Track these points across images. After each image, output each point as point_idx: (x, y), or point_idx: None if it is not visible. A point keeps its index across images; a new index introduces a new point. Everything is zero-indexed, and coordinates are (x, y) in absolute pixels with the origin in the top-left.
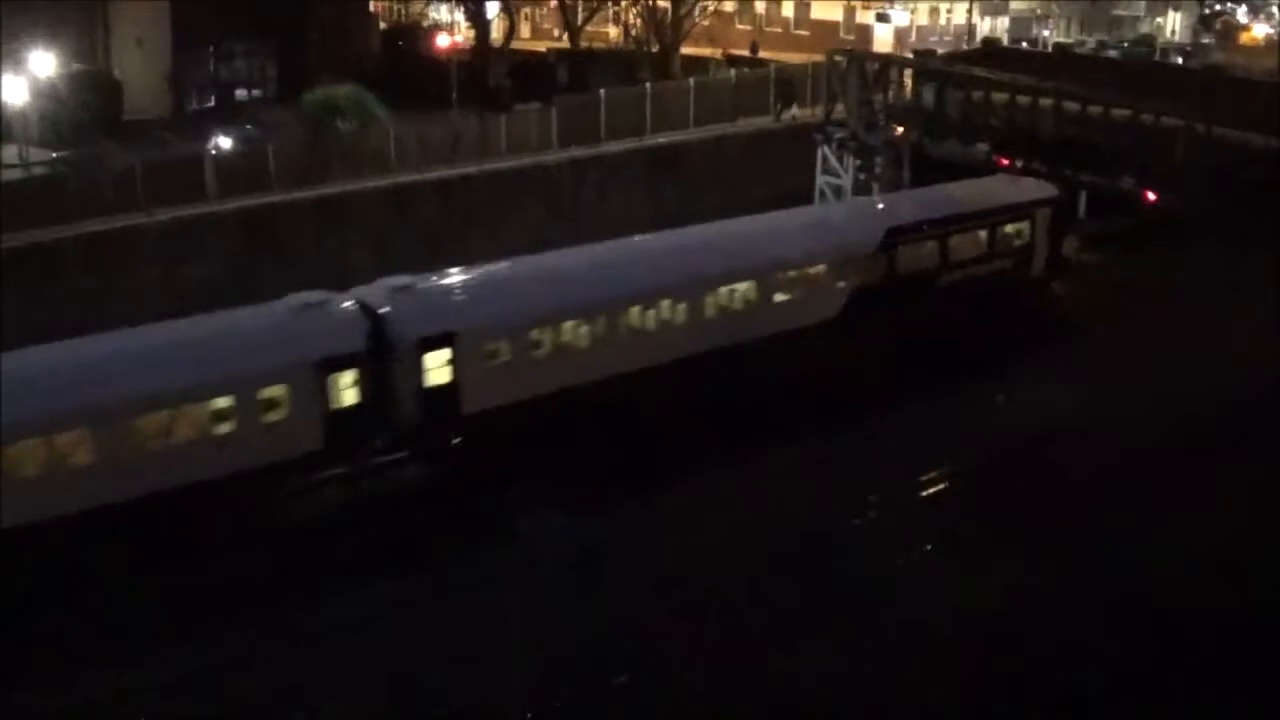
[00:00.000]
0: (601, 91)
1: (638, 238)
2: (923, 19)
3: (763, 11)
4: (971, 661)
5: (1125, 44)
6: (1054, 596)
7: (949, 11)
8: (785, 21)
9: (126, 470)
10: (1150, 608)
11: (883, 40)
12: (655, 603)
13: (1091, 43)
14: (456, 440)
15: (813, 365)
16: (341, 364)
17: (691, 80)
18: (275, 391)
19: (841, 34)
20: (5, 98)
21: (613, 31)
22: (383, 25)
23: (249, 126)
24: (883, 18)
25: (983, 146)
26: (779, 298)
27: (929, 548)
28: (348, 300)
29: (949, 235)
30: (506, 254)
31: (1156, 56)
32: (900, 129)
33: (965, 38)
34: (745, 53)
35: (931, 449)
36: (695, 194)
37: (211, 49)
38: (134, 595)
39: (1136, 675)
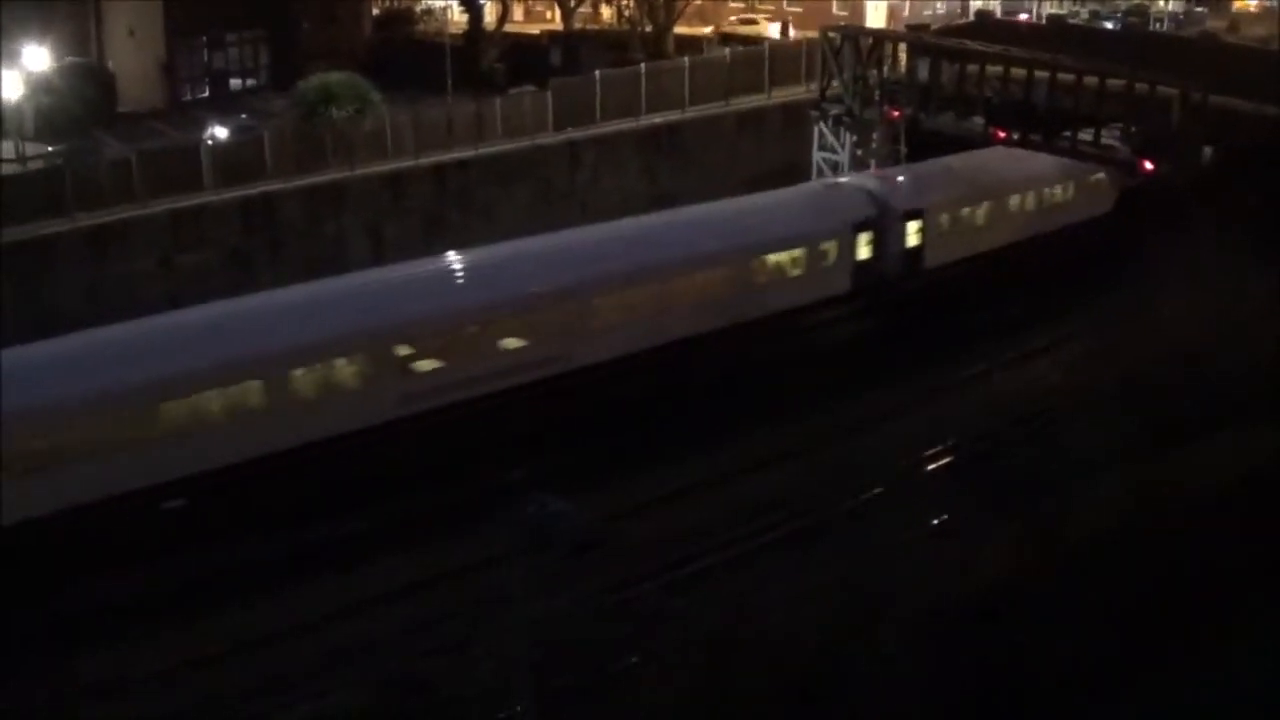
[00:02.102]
0: (596, 73)
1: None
2: None
3: None
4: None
5: (1119, 14)
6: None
7: None
8: None
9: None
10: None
11: (876, 15)
12: (658, 585)
13: (1085, 13)
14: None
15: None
16: (864, 227)
17: (686, 59)
18: (829, 245)
19: (835, 9)
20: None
21: (606, 12)
22: (375, 11)
23: (244, 115)
24: None
25: (978, 120)
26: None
27: (935, 522)
28: (854, 181)
29: None
30: (504, 237)
31: (1151, 26)
32: (895, 104)
33: (959, 11)
34: (741, 30)
35: (931, 424)
36: (691, 172)
37: (204, 39)
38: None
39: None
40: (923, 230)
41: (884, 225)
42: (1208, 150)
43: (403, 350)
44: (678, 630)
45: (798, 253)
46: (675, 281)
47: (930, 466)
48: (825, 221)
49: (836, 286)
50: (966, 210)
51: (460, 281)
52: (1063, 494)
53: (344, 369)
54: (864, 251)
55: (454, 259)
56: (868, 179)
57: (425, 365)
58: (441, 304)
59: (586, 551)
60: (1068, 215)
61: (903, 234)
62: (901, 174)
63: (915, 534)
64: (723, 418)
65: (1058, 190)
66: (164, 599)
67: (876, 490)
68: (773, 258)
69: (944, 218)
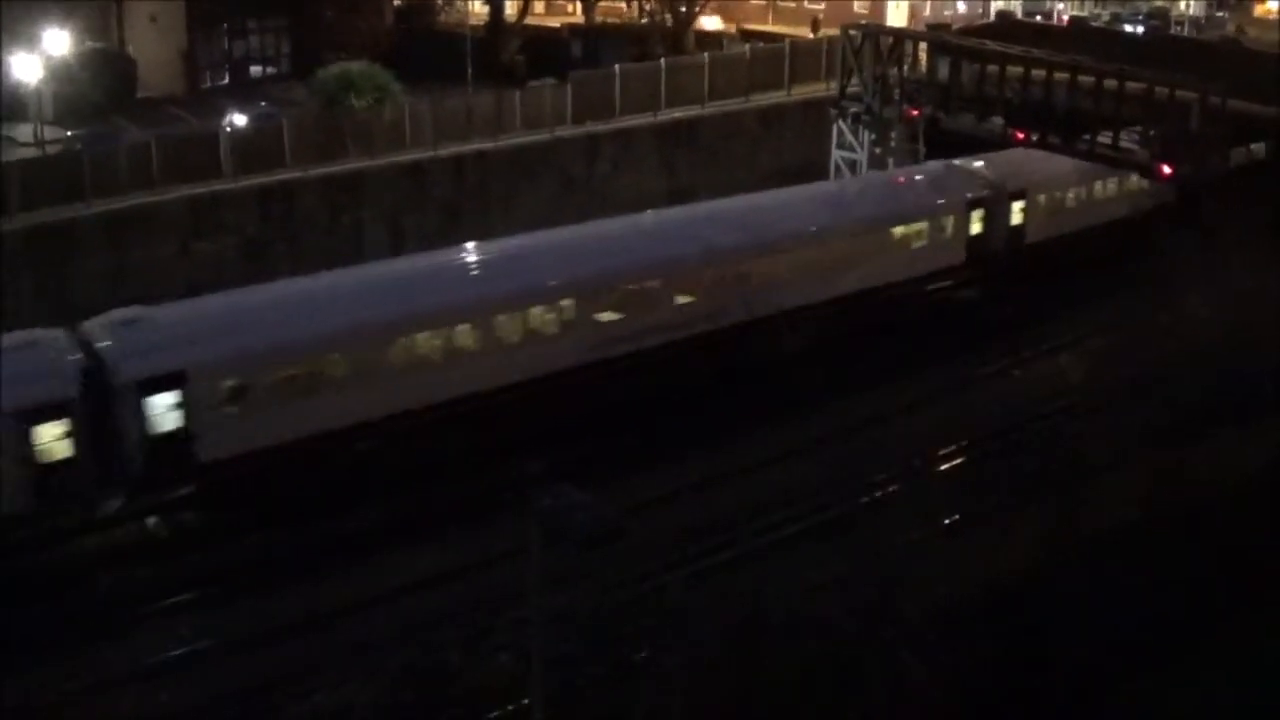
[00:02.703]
0: (616, 67)
1: None
2: None
3: None
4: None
5: (1140, 17)
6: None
7: None
8: None
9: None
10: None
11: (897, 14)
12: (673, 577)
13: (1106, 16)
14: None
15: None
16: (978, 204)
17: (706, 55)
18: (948, 221)
19: (856, 8)
20: (20, 76)
21: (626, 7)
22: (396, 1)
23: (263, 104)
24: None
25: (998, 120)
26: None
27: (948, 521)
28: (967, 164)
29: None
30: (523, 229)
31: (1171, 30)
32: (915, 103)
33: (980, 11)
34: (761, 27)
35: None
36: (710, 168)
37: (225, 26)
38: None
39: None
40: (1025, 210)
41: (994, 203)
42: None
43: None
44: (696, 623)
45: (922, 225)
46: (827, 247)
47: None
48: (946, 198)
49: (953, 258)
50: (1059, 193)
51: (647, 240)
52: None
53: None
54: (976, 227)
55: (636, 220)
56: (978, 162)
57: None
58: (627, 260)
59: (601, 545)
60: (1143, 201)
61: (1009, 212)
62: (1001, 160)
63: (931, 529)
64: (750, 407)
65: (1132, 179)
66: (182, 587)
67: (893, 487)
68: (902, 230)
69: (1041, 198)
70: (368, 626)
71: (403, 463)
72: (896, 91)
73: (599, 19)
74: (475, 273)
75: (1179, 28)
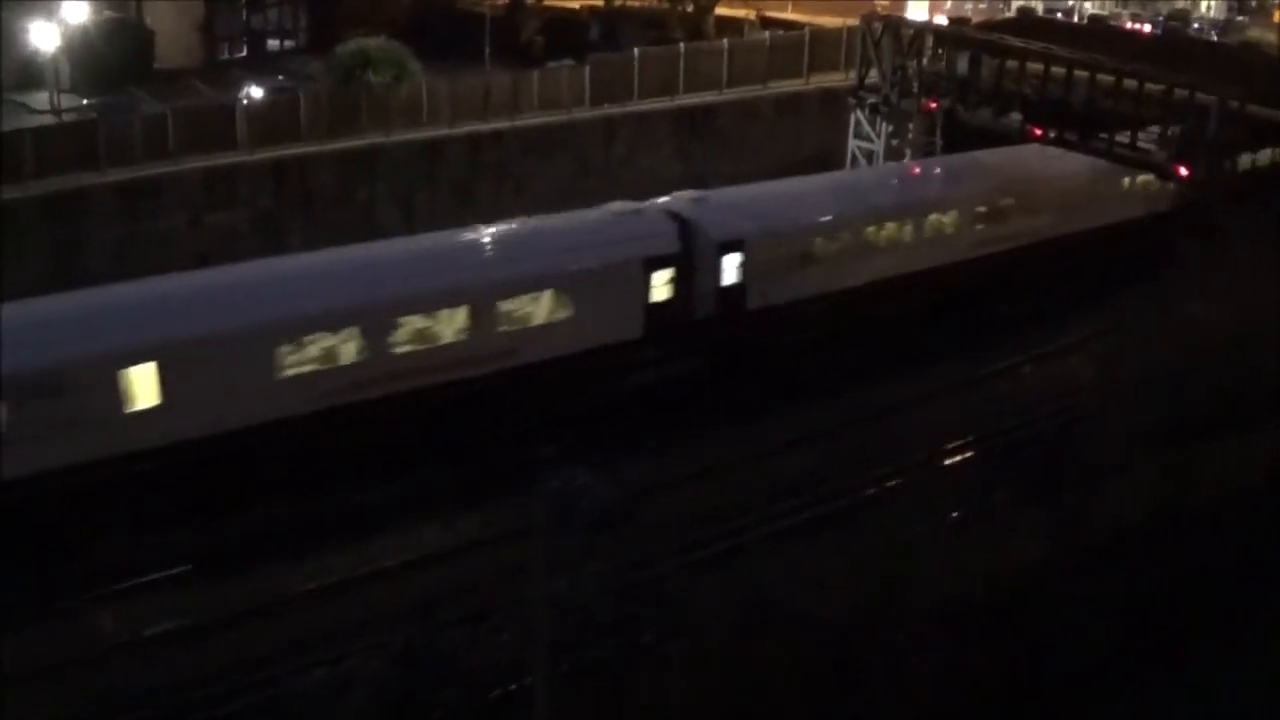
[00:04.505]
0: (635, 50)
1: None
2: None
3: None
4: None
5: (1160, 18)
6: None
7: None
8: None
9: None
10: None
11: (918, 8)
12: (679, 561)
13: (1126, 16)
14: None
15: None
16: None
17: (726, 41)
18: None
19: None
20: (37, 44)
21: None
22: None
23: (280, 77)
24: None
25: (1015, 116)
26: None
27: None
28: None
29: None
30: (536, 210)
31: (1191, 31)
32: (933, 96)
33: (1001, 7)
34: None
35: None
36: (725, 154)
37: None
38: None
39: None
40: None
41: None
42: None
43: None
44: (699, 608)
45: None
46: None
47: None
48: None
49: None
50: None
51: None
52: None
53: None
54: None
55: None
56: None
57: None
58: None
59: (606, 529)
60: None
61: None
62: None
63: (938, 523)
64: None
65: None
66: (182, 558)
67: (897, 480)
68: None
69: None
70: (365, 604)
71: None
72: (915, 84)
73: (619, 2)
74: (914, 183)
75: (1198, 30)
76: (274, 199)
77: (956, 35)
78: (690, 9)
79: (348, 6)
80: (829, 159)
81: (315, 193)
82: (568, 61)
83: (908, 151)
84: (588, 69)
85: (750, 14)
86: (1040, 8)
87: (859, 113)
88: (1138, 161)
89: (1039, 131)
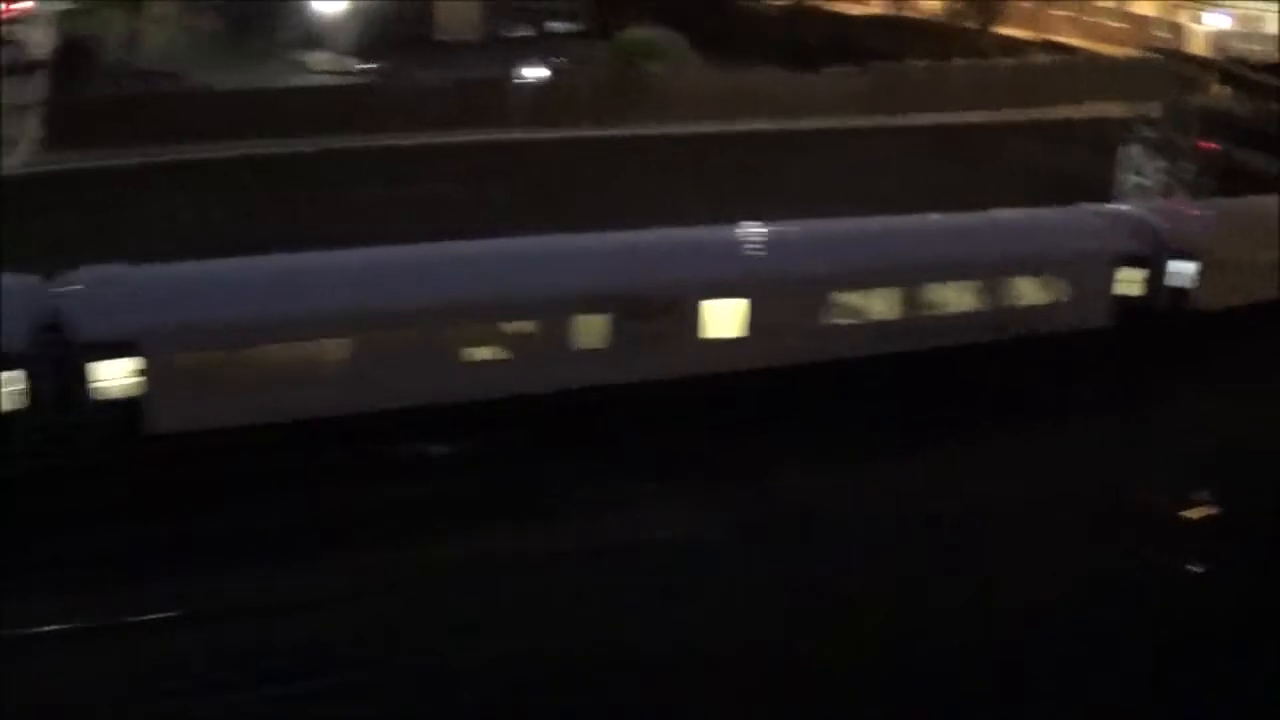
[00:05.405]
0: (912, 62)
1: None
2: (1241, 24)
3: None
4: None
5: None
6: None
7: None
8: (1104, 11)
9: None
10: None
11: (1197, 43)
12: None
13: None
14: None
15: None
16: None
17: (1003, 60)
18: None
19: (1156, 31)
20: (319, 7)
21: (932, 4)
22: None
23: (556, 58)
24: (1203, 19)
25: None
26: None
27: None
28: None
29: None
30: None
31: None
32: (1209, 135)
33: None
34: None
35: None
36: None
37: None
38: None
39: None
40: None
41: None
42: None
43: None
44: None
45: None
46: None
47: None
48: None
49: None
50: None
51: None
52: None
53: None
54: None
55: None
56: None
57: None
58: None
59: None
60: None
61: None
62: None
63: None
64: None
65: None
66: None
67: None
68: None
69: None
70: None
71: None
72: (1192, 121)
73: (902, 13)
74: None
75: None
76: (530, 181)
77: (1238, 74)
78: (976, 26)
79: None
80: (1095, 189)
81: (575, 178)
82: (844, 68)
83: (1179, 190)
84: (869, 78)
85: (1033, 35)
86: None
87: (1132, 145)
88: None
89: None
